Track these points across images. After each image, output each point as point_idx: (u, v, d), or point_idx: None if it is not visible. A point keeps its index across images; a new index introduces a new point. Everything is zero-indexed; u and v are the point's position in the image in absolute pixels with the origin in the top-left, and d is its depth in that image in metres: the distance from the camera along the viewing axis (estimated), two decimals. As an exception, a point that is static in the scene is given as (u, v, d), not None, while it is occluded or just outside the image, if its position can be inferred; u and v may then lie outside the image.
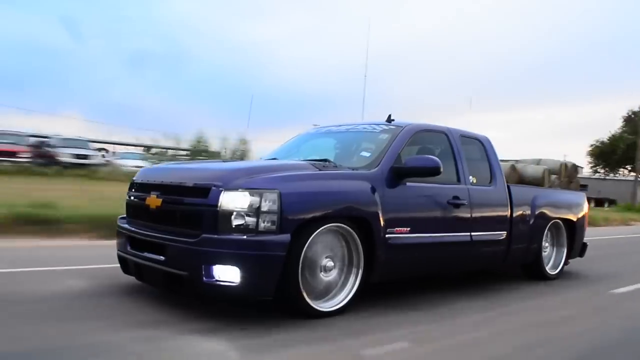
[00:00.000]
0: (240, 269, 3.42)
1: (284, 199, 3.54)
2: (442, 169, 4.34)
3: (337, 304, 3.90)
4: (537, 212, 5.79)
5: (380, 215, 4.06)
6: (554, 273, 6.22)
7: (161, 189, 3.93)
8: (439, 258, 4.74)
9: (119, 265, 4.28)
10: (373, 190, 4.07)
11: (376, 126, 4.89)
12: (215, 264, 3.46)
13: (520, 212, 5.58)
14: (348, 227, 3.90)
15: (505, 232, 5.35)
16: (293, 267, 3.58)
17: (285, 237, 3.51)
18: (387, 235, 4.13)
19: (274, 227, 3.50)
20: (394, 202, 4.22)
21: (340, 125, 5.24)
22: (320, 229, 3.73)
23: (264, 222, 3.49)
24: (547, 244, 6.19)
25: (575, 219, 6.50)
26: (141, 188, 4.20)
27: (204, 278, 3.46)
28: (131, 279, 4.20)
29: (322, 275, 3.85)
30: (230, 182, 3.55)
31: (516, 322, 4.13)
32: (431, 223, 4.58)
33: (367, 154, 4.52)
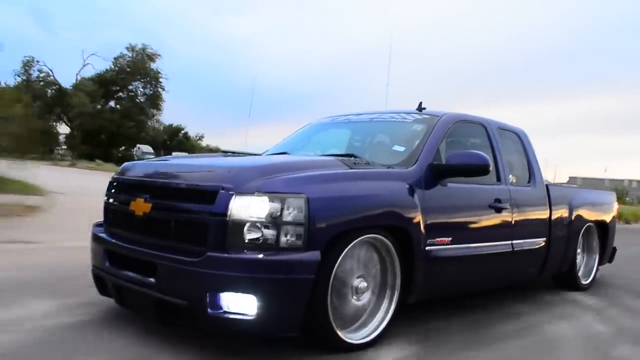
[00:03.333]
0: (257, 297, 2.63)
1: (313, 205, 2.75)
2: (490, 167, 3.61)
3: (370, 334, 3.14)
4: (574, 215, 5.12)
5: (421, 223, 3.30)
6: (586, 282, 5.57)
7: (151, 190, 3.09)
8: (480, 272, 4.01)
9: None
10: (412, 192, 3.32)
11: (407, 115, 4.12)
12: (223, 290, 2.66)
13: (559, 215, 4.90)
14: (384, 239, 3.13)
15: (545, 239, 4.66)
16: (322, 291, 2.80)
17: (314, 255, 2.73)
18: (427, 248, 3.38)
19: (299, 242, 2.71)
20: (434, 207, 3.47)
21: (361, 114, 4.45)
22: (354, 242, 2.96)
23: (286, 236, 2.69)
24: (578, 250, 5.53)
25: (608, 221, 5.87)
26: (124, 188, 3.35)
27: (209, 309, 2.66)
28: (110, 300, 3.36)
29: (353, 299, 3.08)
30: (244, 184, 2.74)
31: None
32: (473, 231, 3.84)
33: (401, 148, 3.75)
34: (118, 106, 47.45)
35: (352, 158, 3.39)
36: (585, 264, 5.69)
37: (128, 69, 47.48)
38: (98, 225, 3.59)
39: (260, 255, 2.65)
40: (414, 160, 3.53)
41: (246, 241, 2.68)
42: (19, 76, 44.83)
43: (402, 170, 3.43)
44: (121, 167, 3.61)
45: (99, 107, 45.13)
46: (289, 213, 2.70)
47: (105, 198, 3.52)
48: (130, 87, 48.39)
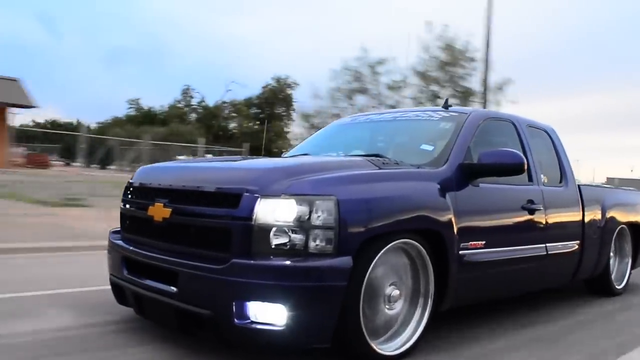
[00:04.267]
0: (286, 306, 2.46)
1: (343, 207, 2.58)
2: (525, 166, 3.43)
3: (403, 344, 2.95)
4: (607, 216, 4.90)
5: (455, 226, 3.12)
6: (620, 287, 5.33)
7: (170, 194, 2.94)
8: (514, 277, 3.81)
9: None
10: (444, 193, 3.14)
11: (433, 113, 3.95)
12: (250, 299, 2.49)
13: (592, 216, 4.68)
14: (416, 243, 2.95)
15: (578, 241, 4.45)
16: (354, 300, 2.63)
17: (346, 260, 2.56)
18: (461, 252, 3.19)
19: (329, 247, 2.54)
20: (467, 209, 3.29)
21: (382, 113, 4.28)
22: (387, 246, 2.79)
23: (316, 241, 2.53)
24: (611, 253, 5.30)
25: (641, 223, 5.63)
26: (141, 193, 3.20)
27: (235, 319, 2.50)
28: (129, 309, 3.22)
29: (385, 308, 2.90)
30: (270, 186, 2.58)
31: None
32: (507, 234, 3.65)
33: (429, 147, 3.58)
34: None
35: (380, 158, 3.21)
36: (617, 268, 5.45)
37: (272, 95, 52.02)
38: (114, 232, 3.45)
39: (289, 262, 2.48)
40: (444, 159, 3.35)
41: (273, 247, 2.51)
42: (179, 102, 50.55)
43: (433, 170, 3.25)
44: (137, 170, 3.47)
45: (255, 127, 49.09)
46: (318, 216, 2.53)
47: (122, 204, 3.38)
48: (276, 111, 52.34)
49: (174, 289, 2.72)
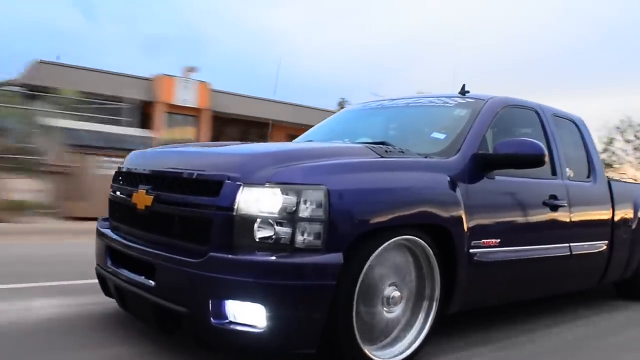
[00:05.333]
0: (266, 307, 2.22)
1: (334, 198, 2.32)
2: (546, 158, 3.11)
3: (403, 351, 2.68)
4: (639, 214, 4.52)
5: (465, 221, 2.83)
6: (652, 291, 4.94)
7: (153, 181, 2.73)
8: (533, 279, 3.49)
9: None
10: (453, 185, 2.85)
11: (448, 99, 3.64)
12: (228, 297, 2.27)
13: (622, 214, 4.31)
14: (420, 240, 2.68)
15: (606, 241, 4.09)
16: (345, 301, 2.38)
17: (336, 257, 2.30)
18: (472, 250, 2.90)
19: (318, 242, 2.29)
20: (480, 203, 2.99)
21: (395, 99, 3.99)
22: (386, 244, 2.52)
23: (303, 235, 2.28)
24: (642, 254, 4.91)
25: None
26: (127, 179, 3.00)
27: (212, 319, 2.27)
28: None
29: (384, 310, 2.63)
30: (253, 173, 2.34)
31: None
32: (525, 232, 3.33)
33: (441, 136, 3.28)
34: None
35: (384, 146, 2.94)
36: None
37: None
38: (104, 219, 3.27)
39: (269, 258, 2.24)
40: (455, 149, 3.06)
41: (256, 240, 2.27)
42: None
43: (442, 160, 2.96)
44: (128, 155, 3.28)
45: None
46: (306, 208, 2.28)
47: (110, 190, 3.19)
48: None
49: (152, 282, 2.52)
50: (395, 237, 2.56)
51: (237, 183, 2.31)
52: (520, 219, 3.28)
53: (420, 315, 2.78)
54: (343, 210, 2.35)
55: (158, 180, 2.69)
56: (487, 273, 3.06)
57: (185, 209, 2.47)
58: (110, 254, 2.92)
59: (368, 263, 2.45)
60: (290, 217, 2.27)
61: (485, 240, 2.99)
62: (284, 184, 2.30)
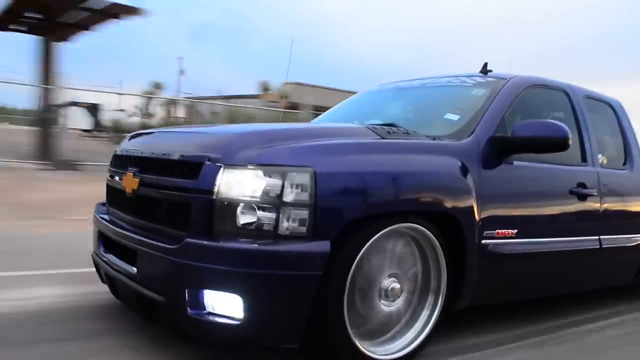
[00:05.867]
0: (244, 298, 2.06)
1: (322, 182, 2.13)
2: (571, 142, 2.82)
3: (403, 348, 2.47)
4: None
5: (476, 209, 2.59)
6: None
7: (140, 163, 2.60)
8: (555, 273, 3.21)
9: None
10: (464, 170, 2.60)
11: (467, 79, 3.37)
12: (205, 287, 2.11)
13: (663, 206, 3.94)
14: (423, 229, 2.46)
15: (643, 235, 3.74)
16: (335, 293, 2.19)
17: (322, 245, 2.11)
18: (483, 241, 2.66)
19: (303, 228, 2.10)
20: (495, 190, 2.75)
21: (413, 80, 3.74)
22: (383, 232, 2.31)
23: (287, 221, 2.10)
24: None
25: None
26: (120, 162, 2.88)
27: (189, 309, 2.12)
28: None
29: (382, 303, 2.43)
30: (236, 154, 2.17)
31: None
32: (547, 222, 3.05)
33: (454, 117, 3.03)
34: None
35: (388, 127, 2.71)
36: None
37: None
38: (101, 204, 3.17)
39: (248, 244, 2.07)
40: (469, 131, 2.80)
41: (238, 226, 2.10)
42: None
43: (452, 143, 2.72)
44: (125, 138, 3.17)
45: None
46: (291, 191, 2.10)
47: (107, 174, 3.08)
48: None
49: (134, 269, 2.39)
50: (393, 225, 2.34)
51: (218, 164, 2.15)
52: (541, 209, 3.01)
53: (424, 310, 2.57)
54: (332, 194, 2.15)
55: (144, 162, 2.56)
56: (501, 266, 2.81)
57: (167, 192, 2.33)
58: (103, 240, 2.82)
59: (362, 252, 2.25)
60: (273, 201, 2.09)
61: (499, 231, 2.74)
62: (267, 166, 2.12)
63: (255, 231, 2.09)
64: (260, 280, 2.05)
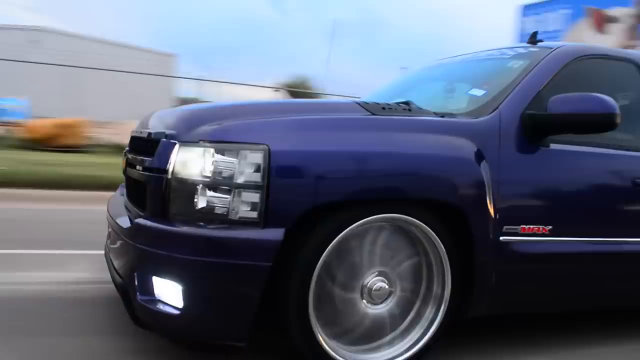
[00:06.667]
0: (182, 286, 1.88)
1: (278, 161, 1.89)
2: (619, 119, 2.29)
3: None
4: None
5: (490, 200, 2.18)
6: None
7: (130, 143, 2.57)
8: (602, 282, 2.63)
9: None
10: (475, 152, 2.20)
11: (509, 50, 2.90)
12: (150, 271, 1.97)
13: None
14: (418, 221, 2.11)
15: None
16: (298, 287, 1.94)
17: (272, 233, 1.87)
18: (502, 238, 2.24)
19: (254, 213, 1.88)
20: (523, 178, 2.31)
21: (457, 56, 3.32)
22: (362, 221, 2.01)
23: (237, 205, 1.89)
24: None
25: None
26: (129, 143, 2.86)
27: (139, 294, 2.00)
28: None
29: (364, 304, 2.12)
30: (191, 130, 2.00)
31: None
32: (598, 220, 2.52)
33: (479, 92, 2.61)
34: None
35: (389, 103, 2.38)
36: None
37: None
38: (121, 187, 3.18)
39: (187, 229, 1.89)
40: (491, 108, 2.38)
41: (193, 209, 1.93)
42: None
43: (464, 120, 2.33)
44: None
45: None
46: (242, 172, 1.89)
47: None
48: None
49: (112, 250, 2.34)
50: (373, 215, 2.03)
51: (172, 141, 2.01)
52: (588, 203, 2.48)
53: (422, 320, 2.22)
54: (288, 176, 1.91)
55: (131, 142, 2.52)
56: (528, 269, 2.36)
57: (135, 171, 2.24)
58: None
59: (333, 244, 1.97)
60: (226, 182, 1.89)
61: (526, 227, 2.29)
62: (219, 142, 1.92)
63: (207, 215, 1.91)
64: (199, 268, 1.86)
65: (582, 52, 2.67)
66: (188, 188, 1.93)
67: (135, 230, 2.00)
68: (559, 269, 2.43)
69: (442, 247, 2.16)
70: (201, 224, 1.90)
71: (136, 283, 1.99)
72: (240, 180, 1.88)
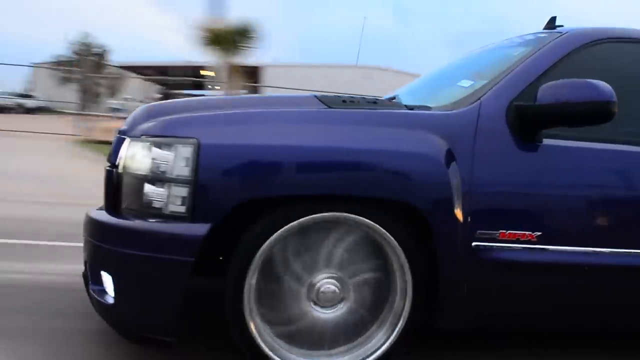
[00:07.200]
0: (114, 278, 1.93)
1: (206, 156, 1.87)
2: (615, 108, 1.95)
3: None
4: None
5: (458, 201, 1.97)
6: None
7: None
8: (600, 298, 2.23)
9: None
10: (443, 149, 2.00)
11: (522, 37, 2.61)
12: (92, 261, 2.07)
13: None
14: (373, 223, 1.96)
15: None
16: (232, 286, 1.90)
17: (197, 228, 1.84)
18: (476, 244, 2.01)
19: (182, 208, 1.88)
20: (504, 177, 2.07)
21: (484, 46, 3.05)
22: (301, 220, 1.91)
23: (169, 199, 1.89)
24: None
25: None
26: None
27: (90, 283, 2.09)
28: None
29: (312, 307, 2.02)
30: (138, 125, 2.06)
31: None
32: (599, 227, 2.16)
33: (467, 83, 2.38)
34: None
35: (353, 97, 2.24)
36: None
37: None
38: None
39: (118, 221, 1.95)
40: (474, 99, 2.16)
41: (143, 203, 1.96)
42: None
43: (432, 113, 2.13)
44: None
45: None
46: (173, 166, 1.89)
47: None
48: None
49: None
50: (317, 212, 1.93)
51: (123, 137, 2.09)
52: (587, 207, 2.14)
53: (380, 331, 2.06)
54: (217, 170, 1.87)
55: None
56: (510, 280, 2.09)
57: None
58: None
59: (272, 239, 1.90)
60: (161, 176, 1.91)
61: (507, 232, 2.04)
62: (156, 137, 1.95)
63: (149, 209, 1.94)
64: (127, 260, 1.88)
65: (599, 36, 2.32)
66: (133, 182, 1.98)
67: (86, 223, 2.09)
68: (548, 281, 2.12)
69: (402, 252, 1.99)
70: (146, 218, 1.93)
71: (88, 271, 2.09)
72: (172, 174, 1.89)
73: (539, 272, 2.10)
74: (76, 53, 36.05)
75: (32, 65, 34.64)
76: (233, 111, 2.03)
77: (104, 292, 2.01)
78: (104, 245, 1.95)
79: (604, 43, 2.32)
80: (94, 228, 2.00)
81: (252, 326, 1.93)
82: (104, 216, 2.01)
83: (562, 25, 2.56)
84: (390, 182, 1.95)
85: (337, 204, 1.94)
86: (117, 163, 2.06)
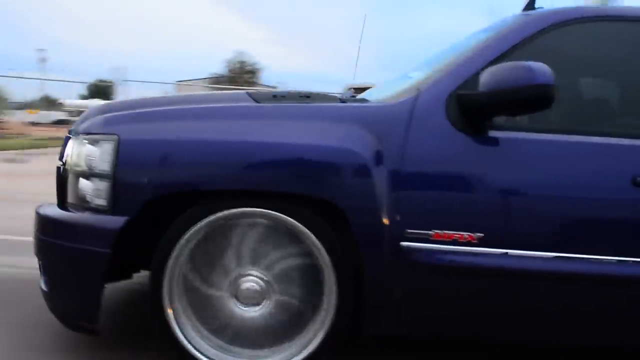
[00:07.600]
0: (42, 266, 2.07)
1: (124, 152, 1.91)
2: (553, 92, 1.73)
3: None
4: None
5: (382, 198, 1.85)
6: None
7: None
8: (557, 310, 1.94)
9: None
10: (368, 143, 1.88)
11: (493, 23, 2.40)
12: (38, 256, 2.19)
13: None
14: (289, 219, 1.90)
15: None
16: (153, 280, 1.93)
17: (113, 221, 1.89)
18: (404, 244, 1.87)
19: (104, 201, 1.94)
20: (440, 173, 1.91)
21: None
22: (218, 215, 1.90)
23: (93, 193, 1.97)
24: None
25: None
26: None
27: (41, 272, 2.22)
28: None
29: (234, 305, 1.98)
30: (80, 124, 2.18)
31: None
32: (551, 230, 1.90)
33: (413, 75, 2.24)
34: None
35: (285, 92, 2.19)
36: None
37: None
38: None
39: (46, 212, 2.08)
40: (413, 90, 2.01)
41: (77, 197, 2.07)
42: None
43: (362, 106, 2.01)
44: None
45: None
46: (97, 161, 1.97)
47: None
48: None
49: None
50: (235, 207, 1.90)
51: (68, 135, 2.22)
52: (536, 206, 1.90)
53: (304, 332, 1.98)
54: (133, 165, 1.92)
55: None
56: (447, 284, 1.91)
57: None
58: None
59: (189, 235, 1.90)
60: (89, 171, 2.00)
61: (442, 232, 1.87)
62: (87, 134, 2.05)
63: (83, 203, 2.03)
64: (51, 249, 2.01)
65: (572, 15, 2.07)
66: (73, 178, 2.08)
67: (37, 218, 2.22)
68: (491, 287, 1.91)
69: (322, 247, 1.90)
70: (81, 211, 2.02)
71: (40, 267, 2.22)
72: (97, 169, 1.96)
73: (480, 278, 1.90)
74: (231, 71, 38.45)
75: (176, 82, 36.62)
76: (159, 108, 2.06)
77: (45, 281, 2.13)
78: (41, 236, 2.08)
79: (578, 23, 2.06)
80: (37, 221, 2.14)
81: (175, 322, 1.94)
82: (49, 210, 2.13)
83: (542, 7, 2.31)
84: (309, 177, 1.88)
85: (254, 200, 1.90)
86: (64, 160, 2.18)
